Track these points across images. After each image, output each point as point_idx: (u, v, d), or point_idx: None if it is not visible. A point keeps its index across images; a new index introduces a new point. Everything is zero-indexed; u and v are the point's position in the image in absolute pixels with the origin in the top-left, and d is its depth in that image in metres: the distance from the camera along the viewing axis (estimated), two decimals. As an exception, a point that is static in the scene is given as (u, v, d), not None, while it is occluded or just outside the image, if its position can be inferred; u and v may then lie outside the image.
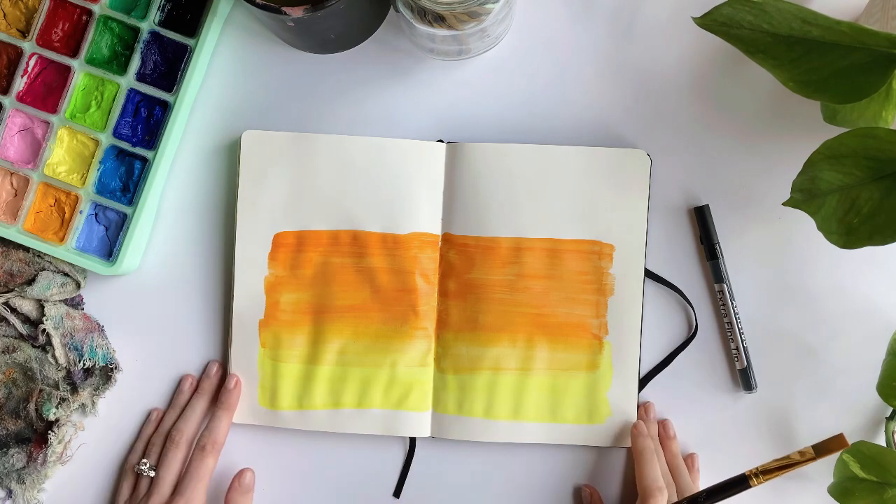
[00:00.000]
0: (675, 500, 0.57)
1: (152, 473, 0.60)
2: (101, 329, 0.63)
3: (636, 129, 0.62)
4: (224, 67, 0.63)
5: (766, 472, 0.54)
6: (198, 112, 0.63)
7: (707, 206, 0.61)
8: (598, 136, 0.62)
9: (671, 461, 0.60)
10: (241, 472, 0.61)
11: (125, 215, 0.61)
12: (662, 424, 0.61)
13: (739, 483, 0.54)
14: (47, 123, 0.61)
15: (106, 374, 0.63)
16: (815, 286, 0.61)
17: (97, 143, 0.61)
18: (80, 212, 0.61)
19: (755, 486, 0.54)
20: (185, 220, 0.63)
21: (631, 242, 0.61)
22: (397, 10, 0.55)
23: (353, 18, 0.58)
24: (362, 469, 0.62)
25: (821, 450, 0.53)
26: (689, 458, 0.61)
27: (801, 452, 0.53)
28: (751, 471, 0.54)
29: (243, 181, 0.62)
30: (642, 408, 0.61)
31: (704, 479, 0.60)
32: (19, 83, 0.61)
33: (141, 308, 0.63)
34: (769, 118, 0.62)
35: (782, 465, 0.54)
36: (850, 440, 0.57)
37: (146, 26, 0.61)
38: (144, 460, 0.60)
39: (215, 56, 0.63)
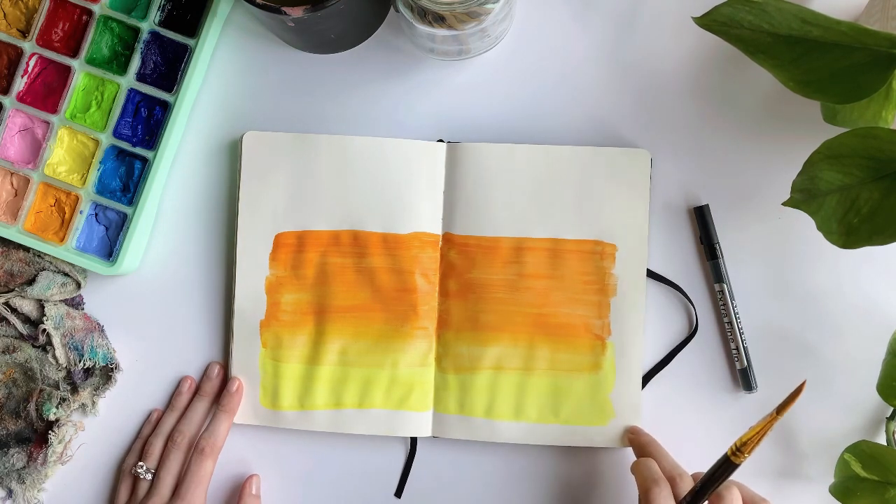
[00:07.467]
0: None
1: (150, 476, 0.59)
2: (101, 329, 0.63)
3: (636, 128, 0.62)
4: (224, 67, 0.63)
5: (745, 443, 0.50)
6: (198, 112, 0.63)
7: (707, 205, 0.61)
8: (599, 136, 0.62)
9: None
10: (251, 478, 0.61)
11: (125, 215, 0.61)
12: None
13: (724, 465, 0.50)
14: (47, 123, 0.61)
15: (106, 374, 0.63)
16: (815, 286, 0.61)
17: (97, 143, 0.61)
18: (81, 212, 0.61)
19: (741, 461, 0.50)
20: (185, 220, 0.63)
21: (633, 242, 0.61)
22: (397, 10, 0.55)
23: (353, 18, 0.58)
24: (363, 469, 0.62)
25: (782, 407, 0.48)
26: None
27: (769, 416, 0.49)
28: (730, 448, 0.50)
29: (244, 182, 0.62)
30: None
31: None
32: (19, 83, 0.61)
33: (141, 308, 0.63)
34: (769, 118, 0.62)
35: (757, 431, 0.49)
36: (851, 440, 0.57)
37: (146, 26, 0.61)
38: (141, 462, 0.60)
39: (215, 56, 0.63)
